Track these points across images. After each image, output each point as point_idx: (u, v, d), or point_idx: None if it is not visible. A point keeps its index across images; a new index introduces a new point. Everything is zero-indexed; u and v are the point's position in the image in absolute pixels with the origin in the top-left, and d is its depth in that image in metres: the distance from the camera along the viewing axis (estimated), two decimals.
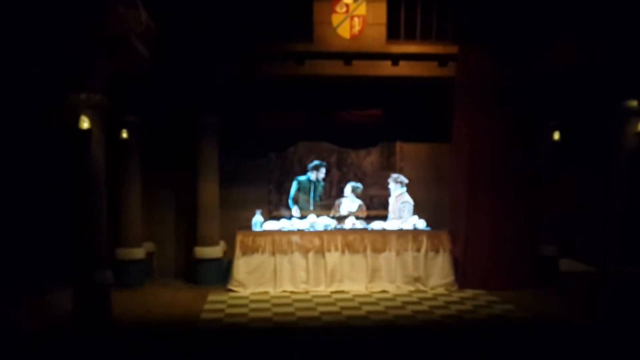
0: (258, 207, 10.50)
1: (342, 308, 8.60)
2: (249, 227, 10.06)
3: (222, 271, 10.22)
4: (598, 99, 9.58)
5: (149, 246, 10.61)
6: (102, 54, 7.27)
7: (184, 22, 9.49)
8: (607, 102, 8.87)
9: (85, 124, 7.38)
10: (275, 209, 11.06)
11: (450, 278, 9.93)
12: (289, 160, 11.22)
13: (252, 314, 8.25)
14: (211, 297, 9.24)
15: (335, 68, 10.05)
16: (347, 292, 9.56)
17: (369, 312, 8.38)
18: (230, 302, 8.98)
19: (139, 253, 10.13)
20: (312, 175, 10.26)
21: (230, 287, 9.66)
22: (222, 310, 8.49)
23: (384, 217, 10.46)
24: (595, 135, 10.54)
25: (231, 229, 10.37)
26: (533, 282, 10.02)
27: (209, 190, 10.24)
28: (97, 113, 7.54)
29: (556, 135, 10.43)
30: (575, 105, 10.22)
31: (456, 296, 9.44)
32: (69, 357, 6.57)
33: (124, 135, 9.87)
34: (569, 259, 11.59)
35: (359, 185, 10.39)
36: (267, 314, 8.26)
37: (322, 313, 8.33)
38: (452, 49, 10.00)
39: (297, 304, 8.81)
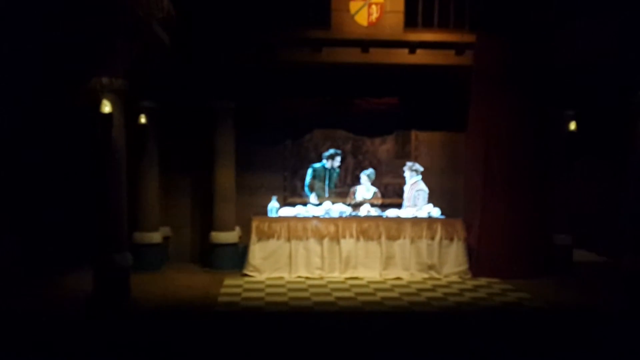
0: (273, 194, 10.60)
1: (357, 294, 8.68)
2: (265, 213, 10.14)
3: (237, 256, 10.31)
4: (614, 89, 9.55)
5: (165, 231, 10.72)
6: (123, 38, 7.34)
7: (203, 8, 9.53)
8: (623, 93, 8.84)
9: (107, 107, 7.47)
10: (290, 195, 11.14)
11: (464, 266, 9.98)
12: (304, 147, 11.28)
13: (269, 298, 8.34)
14: (227, 282, 9.35)
15: (353, 55, 10.07)
16: (361, 279, 9.64)
17: (384, 298, 8.45)
18: (247, 286, 9.08)
19: (156, 237, 10.24)
20: (327, 164, 10.31)
21: (245, 272, 9.76)
22: (238, 294, 8.59)
23: (399, 205, 10.51)
24: (611, 125, 10.53)
25: (246, 215, 10.48)
26: (547, 271, 10.06)
27: (226, 176, 10.32)
28: (118, 97, 7.63)
29: (572, 126, 10.41)
30: (591, 95, 10.19)
31: (470, 284, 9.49)
32: (89, 336, 6.68)
33: (142, 120, 9.96)
34: (583, 250, 11.63)
35: (372, 171, 10.43)
36: (283, 299, 8.35)
37: (338, 298, 8.41)
38: (470, 38, 10.00)
39: (312, 289, 8.90)
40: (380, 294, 8.67)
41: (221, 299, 8.29)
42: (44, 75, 7.72)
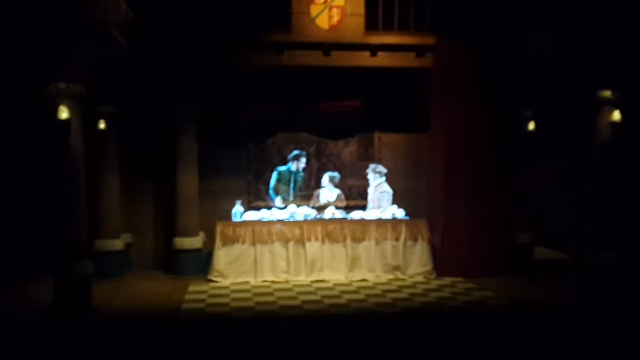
0: (237, 198, 10.54)
1: (323, 297, 8.67)
2: (229, 217, 10.07)
3: (202, 262, 10.21)
4: (571, 89, 9.73)
5: (127, 237, 10.55)
6: (81, 42, 7.21)
7: (163, 11, 9.42)
8: (580, 93, 9.02)
9: (64, 114, 7.34)
10: (255, 199, 11.07)
11: (429, 266, 10.06)
12: (267, 150, 11.24)
13: (234, 304, 8.27)
14: (192, 288, 9.24)
15: (314, 58, 10.08)
16: (327, 281, 9.64)
17: (350, 301, 8.46)
18: (211, 292, 9.00)
19: (117, 244, 10.09)
20: (292, 166, 10.29)
21: (210, 277, 9.68)
22: (203, 300, 8.50)
23: (363, 207, 10.54)
24: (569, 125, 10.74)
25: (210, 220, 10.41)
26: (509, 269, 10.20)
27: (189, 181, 10.22)
28: (76, 103, 7.49)
29: (531, 126, 10.60)
30: (549, 95, 10.38)
31: (435, 284, 9.57)
32: (50, 346, 6.52)
33: (102, 125, 9.80)
34: (543, 247, 11.83)
35: (336, 174, 10.45)
36: (249, 304, 8.29)
37: (304, 302, 8.39)
38: (430, 40, 10.11)
39: (278, 293, 8.86)
40: (346, 296, 8.68)
41: (185, 305, 8.19)
42: None
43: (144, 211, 10.89)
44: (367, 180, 10.77)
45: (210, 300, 8.46)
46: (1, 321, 7.32)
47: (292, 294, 8.87)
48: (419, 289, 9.24)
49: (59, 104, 7.26)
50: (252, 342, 6.77)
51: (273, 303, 8.32)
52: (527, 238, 10.72)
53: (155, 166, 10.80)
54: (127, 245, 10.55)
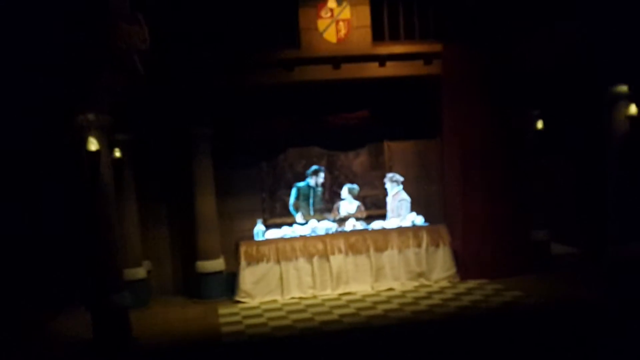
0: (252, 217, 10.55)
1: (358, 309, 8.70)
2: (248, 237, 10.05)
3: (225, 284, 10.16)
4: (578, 87, 9.95)
5: (147, 264, 10.44)
6: (108, 72, 7.16)
7: (173, 36, 9.40)
8: (590, 90, 9.20)
9: (93, 145, 7.26)
10: (270, 217, 11.05)
11: (452, 270, 10.15)
12: (280, 167, 11.24)
13: (272, 323, 8.25)
14: (222, 311, 9.19)
15: (324, 73, 10.15)
16: (354, 293, 9.66)
17: (386, 311, 8.50)
18: (243, 313, 8.96)
19: (141, 272, 9.98)
20: (311, 181, 10.31)
21: (237, 298, 9.63)
22: (239, 322, 8.46)
23: (381, 216, 10.60)
24: (577, 122, 10.94)
25: (228, 241, 10.38)
26: (529, 267, 10.32)
27: (207, 203, 10.17)
28: (104, 133, 7.43)
29: (539, 124, 10.77)
30: (556, 94, 10.57)
31: (462, 287, 9.65)
32: None
33: (117, 154, 9.70)
34: (556, 243, 11.99)
35: (355, 186, 10.50)
36: (286, 322, 8.28)
37: (341, 315, 8.40)
38: (436, 47, 10.24)
39: (311, 309, 8.86)
40: (381, 307, 8.72)
41: (225, 329, 8.15)
42: (27, 113, 7.42)
43: (160, 237, 10.81)
44: (380, 189, 10.89)
45: (247, 322, 8.42)
46: (45, 356, 7.18)
47: (325, 308, 8.87)
48: (449, 293, 9.30)
49: (88, 135, 7.17)
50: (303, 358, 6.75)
51: (311, 319, 8.31)
52: (542, 235, 10.86)
53: (169, 191, 10.73)
54: (147, 273, 10.43)
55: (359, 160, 11.55)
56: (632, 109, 8.36)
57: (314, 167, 10.36)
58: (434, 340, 7.16)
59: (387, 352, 6.81)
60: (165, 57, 9.15)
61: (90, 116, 7.17)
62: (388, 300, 9.11)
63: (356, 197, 10.59)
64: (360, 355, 6.80)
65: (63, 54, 6.77)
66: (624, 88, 8.37)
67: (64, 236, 9.23)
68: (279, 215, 11.10)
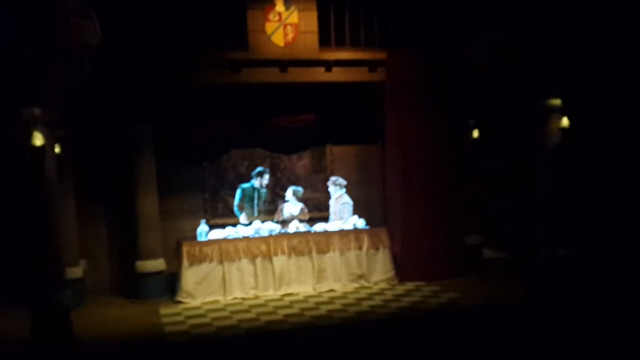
0: (193, 217, 10.53)
1: (302, 309, 8.81)
2: (189, 237, 10.01)
3: (165, 284, 10.06)
4: (516, 98, 10.44)
5: (82, 263, 10.20)
6: (57, 66, 7.01)
7: (118, 31, 9.23)
8: (525, 101, 9.69)
9: (38, 140, 7.09)
10: (212, 217, 11.01)
11: (391, 273, 10.42)
12: (222, 168, 11.23)
13: (217, 323, 8.24)
14: (163, 311, 9.10)
15: (272, 75, 10.24)
16: (296, 294, 9.77)
17: (330, 311, 8.65)
18: (186, 313, 8.90)
19: (77, 272, 9.73)
20: (256, 182, 10.37)
21: (179, 298, 9.56)
22: (182, 322, 8.41)
23: (323, 219, 10.76)
24: (512, 132, 11.46)
25: (169, 241, 10.29)
26: (463, 270, 10.73)
27: (149, 202, 10.04)
28: (50, 129, 7.26)
29: (475, 133, 11.23)
30: (493, 104, 11.05)
31: (400, 289, 9.93)
32: None
33: (57, 150, 9.42)
34: (485, 248, 12.48)
35: (300, 188, 10.64)
36: (231, 322, 8.30)
37: (285, 315, 8.49)
38: (381, 55, 10.52)
39: (255, 310, 8.91)
40: (324, 307, 8.86)
41: (168, 329, 8.08)
42: None
43: (98, 236, 10.60)
44: (321, 192, 11.10)
45: (190, 322, 8.38)
46: None
47: (269, 309, 8.94)
48: (388, 295, 9.55)
49: (33, 130, 6.99)
50: (253, 358, 6.81)
51: (256, 320, 8.36)
52: (476, 239, 11.33)
53: (109, 189, 10.55)
54: (83, 272, 10.19)
55: (301, 163, 11.68)
56: (564, 121, 8.86)
57: (259, 169, 10.43)
58: (379, 339, 7.35)
59: (333, 352, 6.95)
60: (110, 52, 8.97)
61: (37, 111, 7.00)
62: (330, 301, 9.27)
63: (299, 200, 10.71)
64: (307, 354, 6.90)
65: (11, 46, 6.56)
66: (557, 101, 8.86)
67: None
68: (221, 215, 11.10)
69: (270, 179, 10.96)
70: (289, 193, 10.49)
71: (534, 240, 10.18)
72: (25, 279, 7.87)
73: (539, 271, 9.32)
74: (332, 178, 10.59)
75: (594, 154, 8.41)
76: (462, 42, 10.32)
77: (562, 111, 8.89)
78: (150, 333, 7.95)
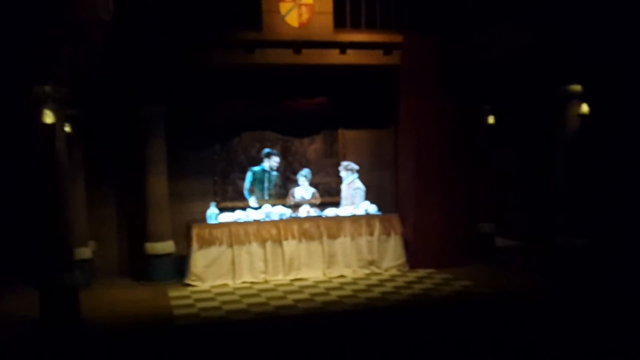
0: (203, 200, 10.44)
1: (312, 295, 8.70)
2: (199, 220, 9.91)
3: (174, 266, 9.98)
4: (532, 83, 10.23)
5: (91, 245, 10.13)
6: (70, 43, 6.87)
7: (131, 9, 9.09)
8: (543, 86, 9.48)
9: (49, 118, 6.97)
10: (222, 200, 10.90)
11: (402, 259, 10.29)
12: (233, 150, 11.11)
13: (226, 307, 8.15)
14: (172, 293, 9.02)
15: (285, 57, 10.06)
16: (306, 279, 9.67)
17: (340, 297, 8.53)
18: (195, 296, 8.81)
19: (86, 252, 9.68)
20: (265, 164, 10.22)
21: (188, 281, 9.47)
22: (191, 305, 8.32)
23: (334, 204, 10.63)
24: (528, 118, 11.26)
25: (178, 223, 10.19)
26: (475, 258, 10.60)
27: (159, 184, 9.94)
28: (61, 107, 7.15)
29: (491, 119, 11.03)
30: (509, 89, 10.84)
31: (412, 276, 9.80)
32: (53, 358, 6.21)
33: (67, 129, 9.31)
34: (498, 236, 12.33)
35: (308, 171, 10.49)
36: (241, 306, 8.20)
37: (295, 300, 8.38)
38: (397, 38, 10.32)
39: (265, 294, 8.81)
40: (335, 293, 8.75)
41: (177, 311, 7.99)
42: None
43: (107, 217, 10.54)
44: (333, 177, 10.99)
45: (200, 305, 8.29)
46: None
47: (279, 293, 8.84)
48: (400, 282, 9.43)
49: (44, 107, 6.86)
50: (263, 343, 6.72)
51: (265, 304, 8.26)
52: (489, 228, 11.17)
53: (119, 170, 10.46)
54: (92, 253, 10.12)
55: (313, 147, 11.54)
56: (584, 107, 8.66)
57: (267, 150, 10.32)
58: (390, 326, 7.24)
59: (345, 338, 6.83)
60: (123, 31, 8.85)
61: (48, 88, 6.86)
62: (341, 286, 9.16)
63: (309, 182, 10.58)
64: (317, 340, 6.79)
65: (23, 22, 6.43)
66: (577, 87, 8.66)
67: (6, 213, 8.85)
68: (230, 199, 10.99)
69: (281, 162, 10.83)
70: (300, 177, 10.36)
71: (548, 229, 10.02)
72: (33, 258, 7.78)
73: (554, 260, 9.15)
74: (344, 163, 10.44)
75: (614, 141, 8.22)
76: (480, 26, 10.09)
77: (582, 97, 8.67)
78: (159, 315, 7.87)
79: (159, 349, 6.59)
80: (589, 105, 8.64)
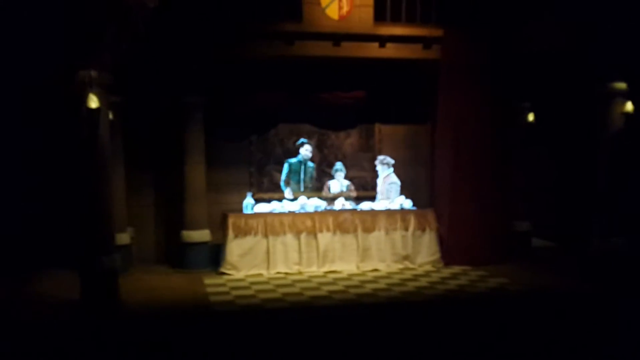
0: (239, 190, 10.49)
1: (346, 287, 8.71)
2: (234, 209, 9.97)
3: (209, 255, 10.07)
4: (574, 80, 10.08)
5: (130, 231, 10.27)
6: (114, 28, 6.97)
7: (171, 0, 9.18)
8: (586, 84, 9.34)
9: (93, 103, 7.09)
10: (257, 191, 10.95)
11: (437, 255, 10.23)
12: (270, 142, 11.14)
13: (261, 295, 8.20)
14: (207, 281, 9.11)
15: (324, 49, 10.06)
16: (340, 272, 9.68)
17: (375, 290, 8.53)
18: (230, 284, 8.89)
19: (124, 238, 9.80)
20: (301, 153, 10.23)
21: (223, 270, 9.55)
22: (227, 292, 8.40)
23: (371, 198, 10.61)
24: (569, 116, 11.09)
25: (214, 212, 10.27)
26: (510, 256, 10.48)
27: (197, 173, 10.06)
28: (105, 92, 7.26)
29: (530, 117, 10.89)
30: (550, 87, 10.70)
31: (446, 272, 9.75)
32: (91, 342, 6.30)
33: (110, 116, 9.46)
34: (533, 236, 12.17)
35: (341, 164, 10.49)
36: (276, 295, 8.24)
37: (330, 292, 8.40)
38: (437, 32, 10.24)
39: (299, 285, 8.84)
40: (369, 286, 8.75)
41: (213, 298, 8.07)
42: (28, 68, 7.19)
43: (145, 204, 10.65)
44: (367, 171, 10.96)
45: (235, 293, 8.36)
46: (31, 317, 7.02)
47: (313, 284, 8.87)
48: (434, 277, 9.39)
49: (89, 92, 6.98)
50: (299, 331, 6.75)
51: (300, 294, 8.30)
52: (525, 227, 11.05)
53: (158, 158, 10.57)
54: (130, 239, 10.27)
55: (349, 140, 11.52)
56: (629, 106, 8.51)
57: (301, 140, 10.33)
58: (425, 320, 7.22)
59: (379, 330, 6.83)
60: (165, 21, 8.93)
61: (93, 73, 6.99)
62: (375, 280, 9.15)
63: (345, 177, 10.58)
64: (352, 331, 6.79)
65: (70, 6, 6.54)
66: (622, 85, 8.51)
67: (47, 197, 9.03)
68: (266, 190, 11.02)
69: (316, 155, 10.83)
70: (337, 170, 10.37)
71: (583, 230, 9.88)
72: (72, 242, 7.92)
73: (592, 262, 9.02)
74: (380, 157, 10.42)
75: None
76: (521, 21, 9.96)
77: (627, 95, 8.52)
78: (196, 301, 7.96)
79: (198, 333, 6.65)
80: (634, 104, 8.48)
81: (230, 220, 9.59)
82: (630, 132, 8.54)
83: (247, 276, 9.41)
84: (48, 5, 6.56)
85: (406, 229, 10.11)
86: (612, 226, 8.72)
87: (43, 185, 9.21)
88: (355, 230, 9.92)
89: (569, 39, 9.11)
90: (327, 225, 9.83)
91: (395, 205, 10.23)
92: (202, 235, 10.01)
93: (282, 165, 10.55)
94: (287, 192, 10.22)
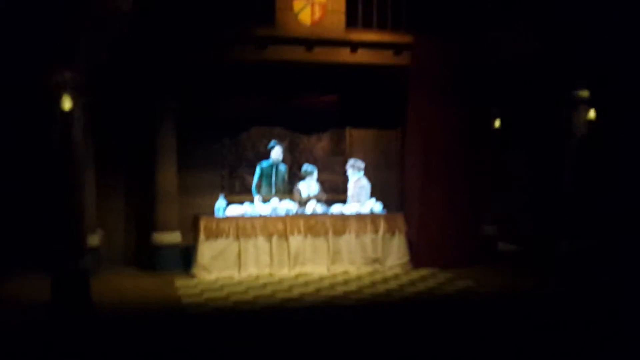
0: (211, 193, 10.56)
1: (317, 289, 8.81)
2: (205, 212, 10.00)
3: (180, 257, 10.09)
4: (540, 87, 10.37)
5: (99, 233, 10.23)
6: (89, 31, 6.98)
7: (149, 3, 9.20)
8: (551, 91, 9.63)
9: (67, 104, 7.10)
10: (229, 194, 10.98)
11: (406, 258, 10.40)
12: (242, 145, 11.22)
13: (233, 297, 8.26)
14: (179, 283, 9.13)
15: (297, 54, 10.18)
16: (310, 274, 9.76)
17: (345, 292, 8.64)
18: (201, 287, 8.92)
19: (93, 240, 9.74)
20: (272, 156, 10.30)
21: (194, 272, 9.57)
22: (199, 294, 8.43)
23: (342, 201, 10.74)
24: (534, 122, 11.38)
25: (185, 215, 10.29)
26: (478, 260, 10.71)
27: (168, 176, 10.07)
28: (79, 94, 7.26)
29: (497, 122, 11.16)
30: (515, 93, 10.97)
31: (415, 275, 9.92)
32: (63, 346, 6.30)
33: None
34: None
35: (313, 167, 10.59)
36: (247, 297, 8.31)
37: (301, 294, 8.49)
38: (407, 39, 10.44)
39: (270, 287, 8.92)
40: (340, 288, 8.86)
41: (185, 300, 8.10)
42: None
43: (115, 206, 10.61)
44: (338, 174, 11.10)
45: (207, 295, 8.40)
46: (0, 318, 6.98)
47: (284, 287, 8.95)
48: (403, 279, 9.55)
49: (62, 93, 6.98)
50: (271, 333, 6.84)
51: (272, 296, 8.37)
52: (492, 231, 11.29)
53: (128, 162, 10.56)
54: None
55: (320, 144, 11.67)
56: (592, 113, 8.80)
57: (272, 143, 10.40)
58: (396, 322, 7.36)
59: (350, 331, 6.95)
60: (138, 24, 8.94)
61: (67, 75, 6.97)
62: (345, 282, 9.28)
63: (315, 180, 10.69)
64: (324, 332, 6.90)
65: (45, 8, 6.54)
66: (585, 92, 8.79)
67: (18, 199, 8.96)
68: (237, 193, 11.09)
69: (287, 157, 10.93)
70: (305, 173, 10.47)
71: (551, 234, 10.16)
72: (41, 244, 7.89)
73: (558, 264, 9.29)
74: (351, 160, 10.56)
75: (621, 147, 8.35)
76: (489, 29, 10.22)
77: (590, 103, 8.81)
78: (168, 303, 7.99)
79: (170, 334, 6.69)
80: (596, 111, 8.77)
81: (202, 223, 9.62)
82: (593, 139, 8.80)
83: (219, 278, 9.45)
84: (22, 8, 6.52)
85: (376, 232, 10.26)
86: (578, 228, 8.97)
87: (14, 187, 9.11)
88: (326, 233, 10.04)
89: (536, 46, 9.39)
90: (298, 228, 9.93)
91: (365, 208, 10.38)
92: (172, 237, 10.04)
93: (254, 168, 10.61)
94: (257, 199, 10.22)
